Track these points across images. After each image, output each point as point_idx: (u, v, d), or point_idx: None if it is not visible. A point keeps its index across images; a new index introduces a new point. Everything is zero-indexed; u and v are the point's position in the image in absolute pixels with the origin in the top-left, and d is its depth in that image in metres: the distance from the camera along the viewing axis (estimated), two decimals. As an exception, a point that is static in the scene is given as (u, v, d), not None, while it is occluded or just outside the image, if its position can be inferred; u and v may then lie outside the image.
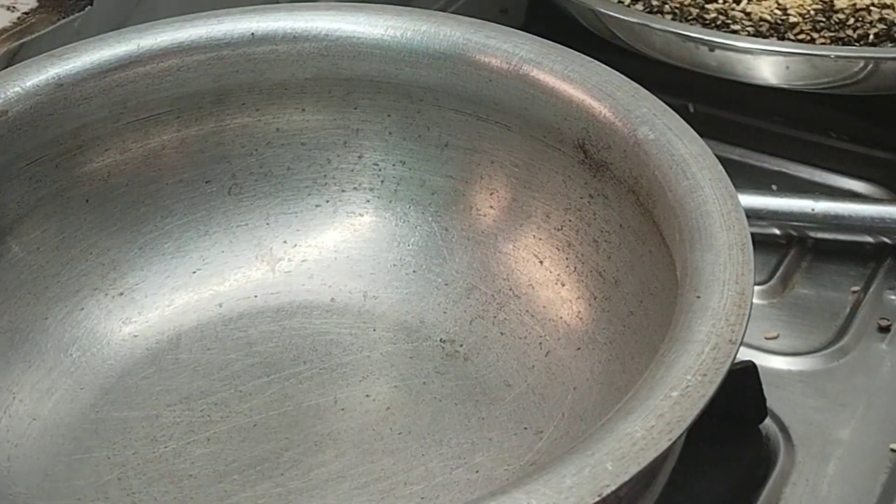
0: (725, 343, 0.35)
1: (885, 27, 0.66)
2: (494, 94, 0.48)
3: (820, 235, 0.58)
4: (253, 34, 0.50)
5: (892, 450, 0.47)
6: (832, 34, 0.66)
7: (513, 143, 0.48)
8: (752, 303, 0.36)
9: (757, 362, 0.48)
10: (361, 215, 0.51)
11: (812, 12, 0.67)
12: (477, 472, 0.43)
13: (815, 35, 0.66)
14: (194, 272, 0.50)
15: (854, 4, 0.68)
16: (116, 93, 0.48)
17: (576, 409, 0.43)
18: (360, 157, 0.51)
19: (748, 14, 0.67)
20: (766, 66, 0.61)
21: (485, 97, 0.48)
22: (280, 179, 0.51)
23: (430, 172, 0.51)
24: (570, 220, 0.47)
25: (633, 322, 0.43)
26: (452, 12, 0.51)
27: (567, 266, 0.47)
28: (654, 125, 0.43)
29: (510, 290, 0.48)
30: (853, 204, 0.57)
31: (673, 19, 0.67)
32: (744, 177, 0.62)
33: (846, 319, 0.54)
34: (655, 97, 0.45)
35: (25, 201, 0.47)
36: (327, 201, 0.52)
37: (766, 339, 0.53)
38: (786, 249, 0.58)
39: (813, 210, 0.57)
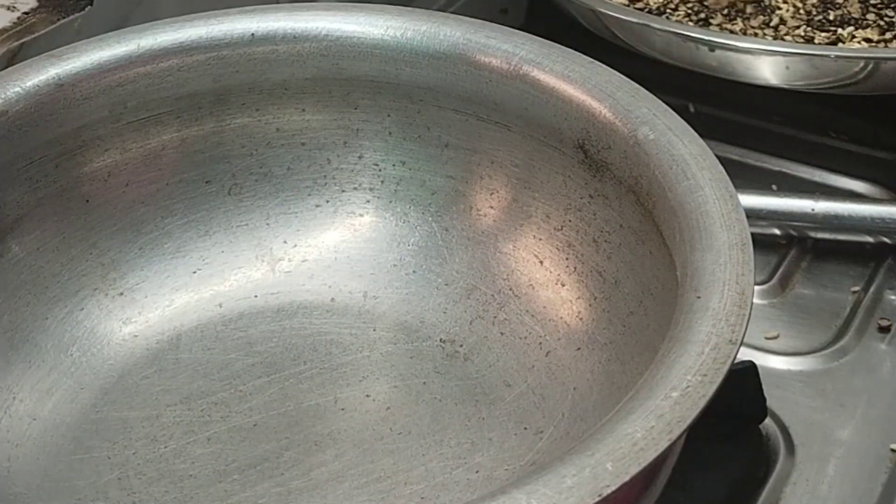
0: (725, 343, 0.35)
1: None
2: (494, 95, 0.48)
3: (820, 235, 0.58)
4: (253, 34, 0.50)
5: (893, 450, 0.47)
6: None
7: (513, 144, 0.48)
8: (752, 303, 0.36)
9: (757, 362, 0.48)
10: (361, 215, 0.51)
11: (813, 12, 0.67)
12: (477, 472, 0.43)
13: (815, 35, 0.66)
14: (194, 272, 0.50)
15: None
16: (116, 93, 0.48)
17: (576, 409, 0.43)
18: (360, 157, 0.51)
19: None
20: (766, 66, 0.61)
21: (485, 97, 0.48)
22: (280, 179, 0.51)
23: (430, 172, 0.51)
24: (570, 221, 0.47)
25: (634, 322, 0.43)
26: (452, 12, 0.51)
27: (567, 266, 0.47)
28: (655, 125, 0.43)
29: (510, 290, 0.48)
30: (853, 204, 0.57)
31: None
32: (744, 177, 0.61)
33: (846, 319, 0.54)
34: (655, 97, 0.45)
35: (25, 201, 0.47)
36: (327, 201, 0.52)
37: (766, 339, 0.53)
38: (786, 249, 0.58)
39: (813, 210, 0.57)
